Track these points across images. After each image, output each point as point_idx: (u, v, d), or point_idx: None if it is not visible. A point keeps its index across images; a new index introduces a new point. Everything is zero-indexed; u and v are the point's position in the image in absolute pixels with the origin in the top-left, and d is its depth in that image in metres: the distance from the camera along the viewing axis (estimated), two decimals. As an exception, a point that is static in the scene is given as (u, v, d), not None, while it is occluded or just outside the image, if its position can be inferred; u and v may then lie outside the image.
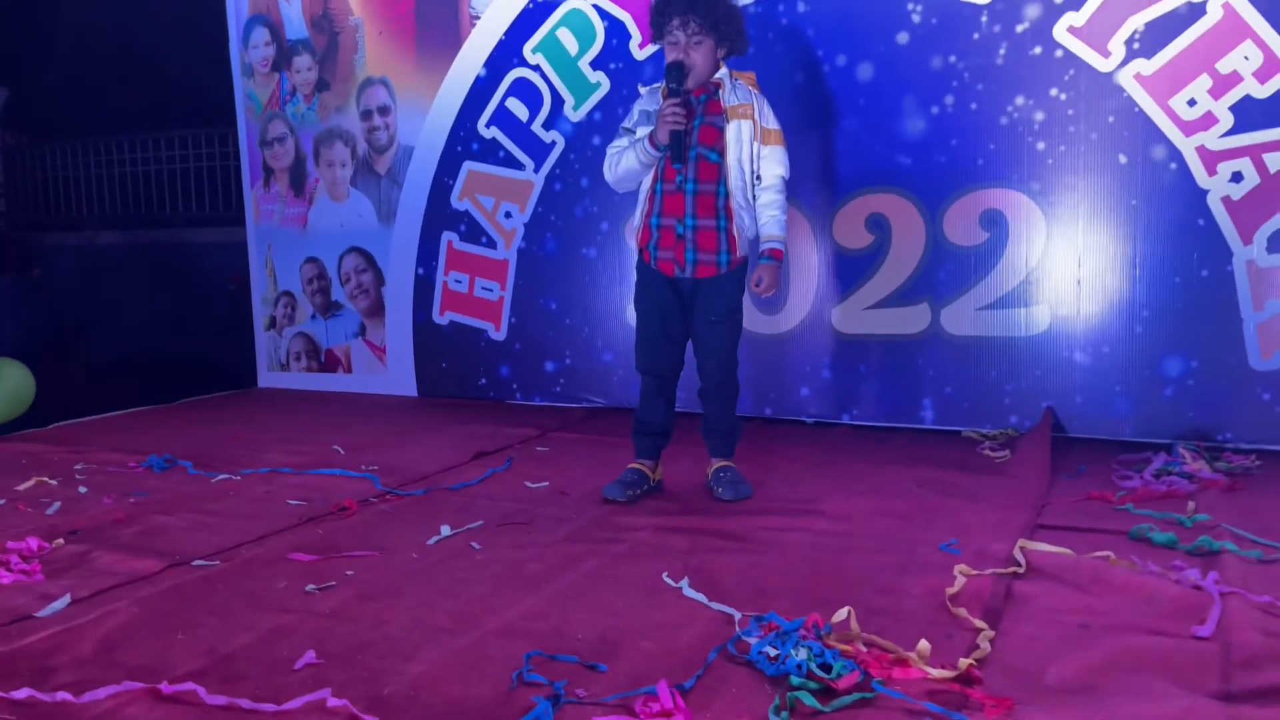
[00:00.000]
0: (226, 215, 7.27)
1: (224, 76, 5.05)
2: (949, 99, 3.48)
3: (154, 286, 7.17)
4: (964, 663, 1.69)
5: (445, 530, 2.55)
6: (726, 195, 2.74)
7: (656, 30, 2.75)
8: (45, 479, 3.15)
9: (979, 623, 1.88)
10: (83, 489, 3.04)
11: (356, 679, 1.70)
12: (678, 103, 2.64)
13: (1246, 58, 3.11)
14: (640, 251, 2.86)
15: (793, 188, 2.98)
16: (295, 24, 4.70)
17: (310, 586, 2.15)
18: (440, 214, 4.44)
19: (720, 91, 2.76)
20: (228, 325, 5.67)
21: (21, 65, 8.66)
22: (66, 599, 2.09)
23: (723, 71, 2.78)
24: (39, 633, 1.93)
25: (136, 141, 8.00)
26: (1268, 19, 3.08)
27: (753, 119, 2.74)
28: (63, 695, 1.65)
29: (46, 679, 1.72)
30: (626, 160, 2.77)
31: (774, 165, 2.77)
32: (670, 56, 2.70)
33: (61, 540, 2.49)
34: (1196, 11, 3.15)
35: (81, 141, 8.24)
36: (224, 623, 1.98)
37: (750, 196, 2.78)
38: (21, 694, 1.65)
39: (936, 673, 1.68)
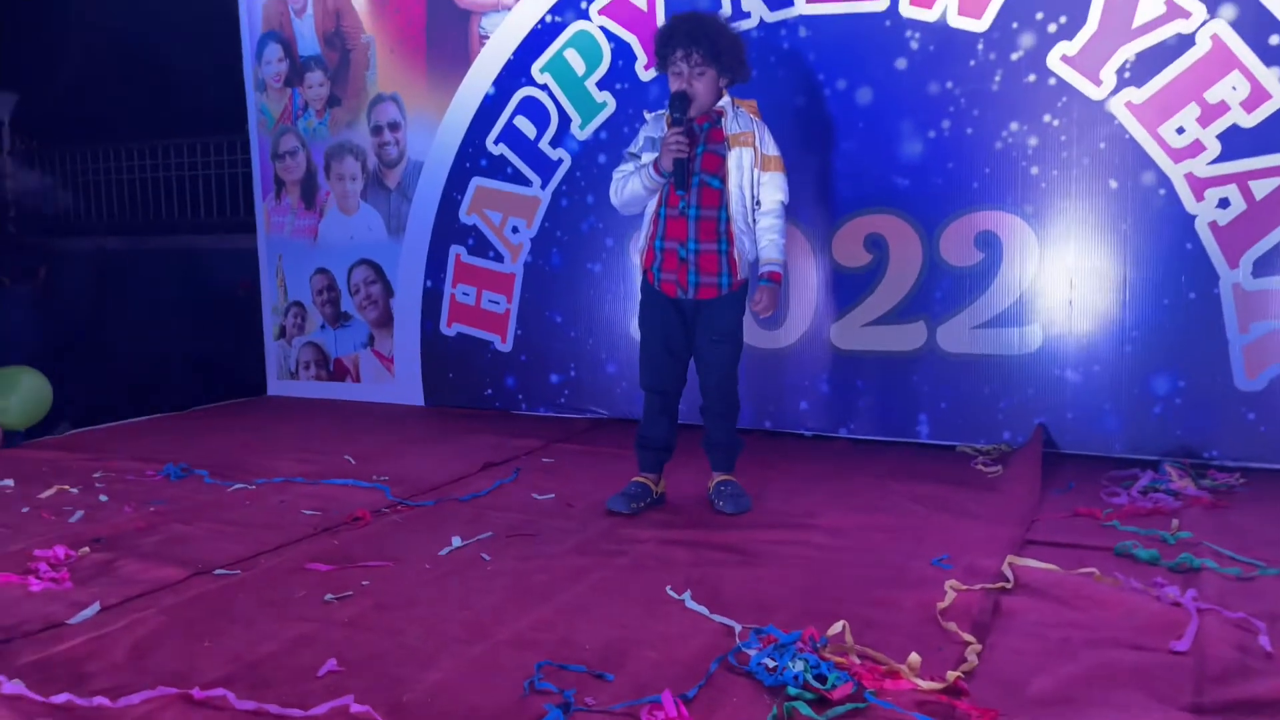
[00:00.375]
0: (235, 221, 7.36)
1: (234, 85, 5.15)
2: (946, 123, 3.58)
3: (163, 292, 7.27)
4: (952, 675, 1.79)
5: (456, 541, 2.64)
6: (728, 220, 2.84)
7: (661, 60, 2.85)
8: (66, 487, 3.24)
9: (967, 636, 1.98)
10: (103, 497, 3.14)
11: (377, 686, 1.80)
12: (681, 131, 2.74)
13: (1234, 88, 3.21)
14: (644, 272, 2.96)
15: (793, 207, 3.09)
16: (308, 40, 4.80)
17: (329, 596, 2.25)
18: (449, 228, 4.54)
19: (723, 120, 2.86)
20: (236, 333, 5.76)
21: (32, 70, 8.76)
22: (96, 606, 2.18)
23: (725, 100, 2.88)
24: (72, 639, 2.03)
25: (146, 148, 8.11)
26: (1255, 50, 3.19)
27: (753, 147, 2.85)
28: (99, 700, 1.74)
29: (82, 684, 1.82)
30: (631, 186, 2.87)
31: (774, 191, 2.87)
32: (674, 86, 2.80)
33: (87, 549, 2.58)
34: (1186, 43, 3.25)
35: (91, 147, 8.34)
36: (248, 631, 2.07)
37: (750, 221, 2.88)
38: (60, 698, 1.75)
39: (926, 684, 1.78)
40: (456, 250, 4.54)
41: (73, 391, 4.68)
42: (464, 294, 4.55)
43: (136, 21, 8.00)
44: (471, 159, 4.44)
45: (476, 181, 4.44)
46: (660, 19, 3.94)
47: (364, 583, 2.35)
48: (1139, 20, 3.30)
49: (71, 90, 8.65)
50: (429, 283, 4.62)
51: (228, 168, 7.70)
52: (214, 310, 6.52)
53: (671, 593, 2.24)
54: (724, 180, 2.83)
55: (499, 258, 4.45)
